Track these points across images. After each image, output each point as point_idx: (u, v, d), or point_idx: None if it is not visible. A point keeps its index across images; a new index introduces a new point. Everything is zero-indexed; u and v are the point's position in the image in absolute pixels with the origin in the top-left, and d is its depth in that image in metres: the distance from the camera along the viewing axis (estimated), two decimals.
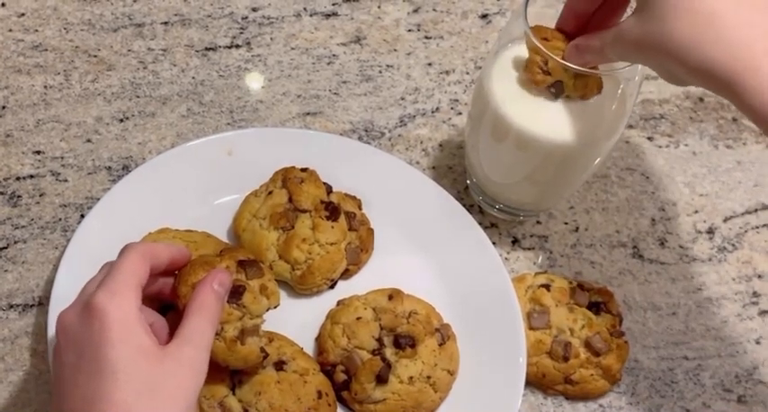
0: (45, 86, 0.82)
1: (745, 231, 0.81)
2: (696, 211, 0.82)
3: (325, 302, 0.70)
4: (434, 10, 0.92)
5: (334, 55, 0.88)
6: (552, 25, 0.64)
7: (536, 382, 0.69)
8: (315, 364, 0.65)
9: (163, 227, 0.70)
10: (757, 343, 0.75)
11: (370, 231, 0.73)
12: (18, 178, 0.76)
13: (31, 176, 0.77)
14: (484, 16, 0.92)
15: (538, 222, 0.79)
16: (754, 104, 0.51)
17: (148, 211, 0.70)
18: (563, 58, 0.62)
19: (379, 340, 0.66)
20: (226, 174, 0.74)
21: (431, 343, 0.66)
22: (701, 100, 0.89)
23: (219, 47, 0.87)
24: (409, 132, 0.83)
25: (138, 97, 0.82)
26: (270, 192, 0.71)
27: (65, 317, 0.52)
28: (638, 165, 0.84)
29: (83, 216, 0.74)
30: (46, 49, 0.84)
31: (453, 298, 0.71)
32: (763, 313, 0.76)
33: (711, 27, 0.52)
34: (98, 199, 0.72)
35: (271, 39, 0.88)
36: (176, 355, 0.51)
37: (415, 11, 0.92)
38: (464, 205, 0.74)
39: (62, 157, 0.78)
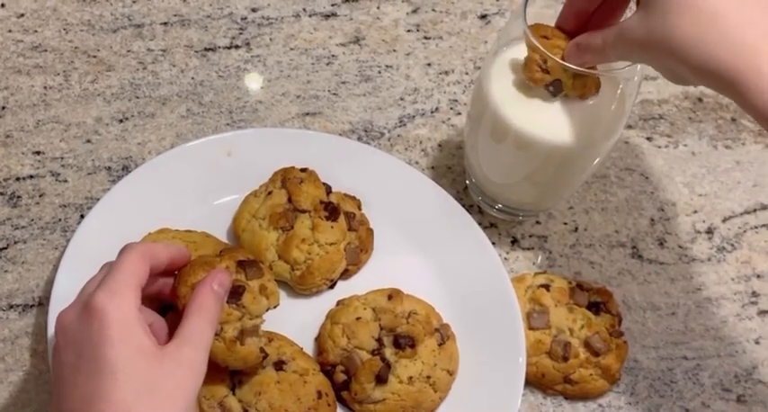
0: (45, 87, 0.82)
1: (744, 231, 0.81)
2: (695, 211, 0.82)
3: (324, 302, 0.70)
4: (433, 10, 0.92)
5: (333, 55, 0.88)
6: (552, 24, 0.64)
7: (535, 382, 0.70)
8: (314, 364, 0.65)
9: (162, 227, 0.70)
10: (756, 343, 0.75)
11: (370, 231, 0.73)
12: (18, 179, 0.76)
13: (31, 177, 0.77)
14: (483, 16, 0.92)
15: (537, 222, 0.79)
16: (757, 104, 0.51)
17: (148, 212, 0.70)
18: (563, 57, 0.62)
19: (379, 340, 0.66)
20: (225, 174, 0.74)
21: (430, 343, 0.66)
22: (700, 100, 0.89)
23: (219, 47, 0.87)
24: (408, 132, 0.83)
25: (137, 98, 0.82)
26: (269, 193, 0.71)
27: (64, 316, 0.52)
28: (638, 166, 0.84)
29: (82, 216, 0.74)
30: (45, 50, 0.84)
31: (453, 298, 0.71)
32: (762, 313, 0.76)
33: (715, 26, 0.52)
34: (98, 199, 0.72)
35: (270, 39, 0.88)
36: (175, 355, 0.51)
37: (414, 11, 0.92)
38: (463, 205, 0.75)
39: (62, 158, 0.78)
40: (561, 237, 0.78)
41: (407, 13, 0.92)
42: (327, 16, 0.90)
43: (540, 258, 0.77)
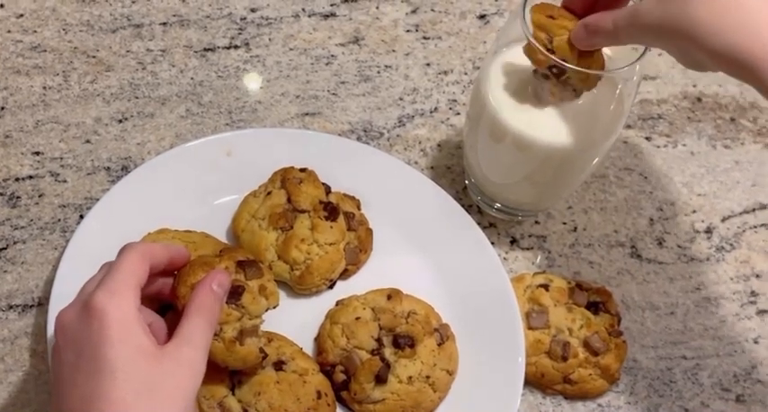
0: (44, 87, 0.82)
1: (743, 231, 0.81)
2: (694, 211, 0.82)
3: (324, 302, 0.70)
4: (433, 10, 0.92)
5: (332, 55, 0.88)
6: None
7: (535, 382, 0.70)
8: (314, 364, 0.65)
9: (162, 227, 0.70)
10: (755, 342, 0.75)
11: (369, 231, 0.73)
12: (17, 179, 0.76)
13: (31, 177, 0.77)
14: (482, 17, 0.93)
15: (536, 222, 0.79)
16: None
17: (147, 212, 0.70)
18: (569, 39, 0.60)
19: (379, 340, 0.66)
20: (225, 174, 0.74)
21: (430, 343, 0.66)
22: (699, 100, 0.89)
23: (218, 47, 0.87)
24: (408, 132, 0.83)
25: (136, 98, 0.82)
26: (269, 193, 0.71)
27: (64, 316, 0.52)
28: (637, 165, 0.84)
29: (82, 216, 0.74)
30: (45, 50, 0.84)
31: (452, 298, 0.71)
32: (761, 312, 0.76)
33: (734, 11, 0.51)
34: (97, 199, 0.72)
35: (269, 39, 0.88)
36: (175, 355, 0.51)
37: (414, 11, 0.92)
38: (462, 205, 0.75)
39: (61, 158, 0.78)
40: (560, 237, 0.79)
41: (406, 14, 0.92)
42: (326, 16, 0.91)
43: (539, 258, 0.77)
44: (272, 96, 0.84)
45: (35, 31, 0.86)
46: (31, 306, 0.70)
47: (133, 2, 0.89)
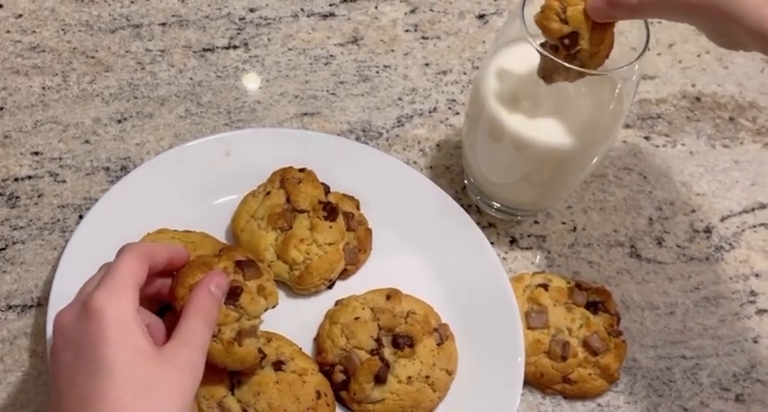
0: (43, 87, 0.82)
1: (743, 230, 0.81)
2: (693, 211, 0.82)
3: (323, 302, 0.70)
4: (431, 10, 0.92)
5: (331, 55, 0.88)
6: None
7: (534, 382, 0.70)
8: (313, 364, 0.65)
9: (161, 227, 0.70)
10: (755, 341, 0.75)
11: (368, 231, 0.73)
12: (16, 179, 0.76)
13: (30, 177, 0.77)
14: (481, 16, 0.93)
15: (536, 222, 0.79)
16: None
17: (147, 212, 0.70)
18: (584, 9, 0.59)
19: (378, 340, 0.66)
20: (224, 174, 0.74)
21: (429, 342, 0.66)
22: (698, 99, 0.89)
23: (217, 47, 0.87)
24: (407, 132, 0.83)
25: (135, 98, 0.82)
26: (268, 193, 0.71)
27: (62, 316, 0.52)
28: (636, 165, 0.84)
29: (81, 217, 0.74)
30: (44, 51, 0.84)
31: (451, 298, 0.71)
32: (760, 312, 0.76)
33: None
34: (96, 200, 0.72)
35: (268, 39, 0.88)
36: (173, 357, 0.51)
37: (412, 11, 0.92)
38: (462, 205, 0.75)
39: (60, 158, 0.78)
40: (559, 237, 0.79)
41: (405, 13, 0.92)
42: (325, 16, 0.90)
43: (538, 258, 0.77)
44: (271, 96, 0.84)
45: (34, 32, 0.86)
46: (31, 306, 0.70)
47: (132, 2, 0.89)
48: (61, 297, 0.60)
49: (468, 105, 0.72)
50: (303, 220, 0.70)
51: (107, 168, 0.78)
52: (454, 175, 0.81)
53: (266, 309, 0.60)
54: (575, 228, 0.79)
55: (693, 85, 0.91)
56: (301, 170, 0.73)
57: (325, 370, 0.66)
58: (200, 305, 0.54)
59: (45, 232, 0.74)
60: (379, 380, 0.64)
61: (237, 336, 0.58)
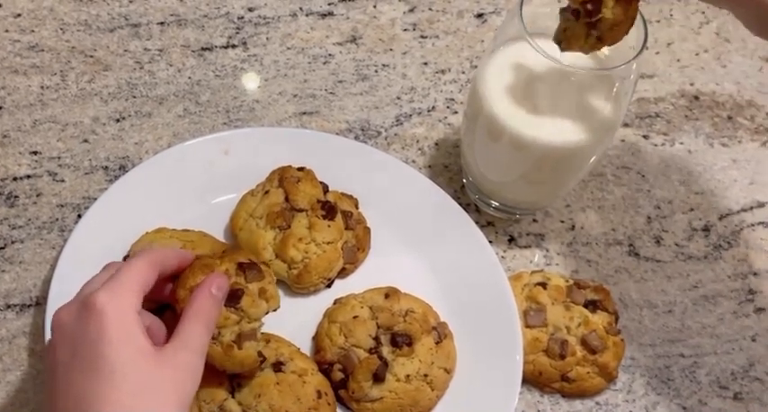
0: (42, 87, 0.82)
1: (741, 229, 0.81)
2: (692, 209, 0.82)
3: (322, 301, 0.70)
4: (430, 9, 0.92)
5: (330, 54, 0.88)
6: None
7: (533, 380, 0.70)
8: (313, 364, 0.65)
9: (160, 226, 0.70)
10: (753, 340, 0.75)
11: (367, 230, 0.73)
12: (15, 178, 0.76)
13: (28, 176, 0.77)
14: (479, 15, 0.93)
15: (534, 221, 0.79)
16: None
17: (145, 211, 0.71)
18: None
19: (376, 338, 0.66)
20: (222, 173, 0.74)
21: (428, 341, 0.66)
22: (697, 98, 0.89)
23: (216, 47, 0.87)
24: (405, 131, 0.83)
25: (134, 97, 0.82)
26: (266, 192, 0.71)
27: (61, 313, 0.52)
28: (634, 164, 0.84)
29: (80, 216, 0.74)
30: (42, 50, 0.84)
31: (450, 296, 0.71)
32: (758, 310, 0.77)
33: None
34: (95, 199, 0.72)
35: (267, 38, 0.88)
36: (173, 359, 0.51)
37: (411, 10, 0.92)
38: (460, 204, 0.75)
39: (59, 158, 0.78)
40: (558, 236, 0.79)
41: (404, 12, 0.92)
42: (324, 15, 0.91)
43: (536, 256, 0.77)
44: (270, 95, 0.84)
45: (33, 31, 0.86)
46: (29, 305, 0.70)
47: (131, 1, 0.89)
48: (60, 296, 0.60)
49: (467, 104, 0.72)
50: (302, 219, 0.70)
51: (106, 167, 0.78)
52: (453, 174, 0.81)
53: (267, 313, 0.60)
54: (573, 227, 0.79)
55: (692, 84, 0.91)
56: (300, 169, 0.73)
57: (324, 368, 0.66)
58: (200, 307, 0.54)
59: (44, 231, 0.74)
60: (378, 378, 0.64)
61: (237, 339, 0.58)
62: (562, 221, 0.80)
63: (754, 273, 0.79)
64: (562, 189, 0.77)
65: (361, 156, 0.77)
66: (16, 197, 0.75)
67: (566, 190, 0.78)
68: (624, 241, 0.79)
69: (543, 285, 0.71)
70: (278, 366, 0.63)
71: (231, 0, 0.90)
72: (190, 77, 0.84)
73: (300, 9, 0.90)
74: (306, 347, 0.68)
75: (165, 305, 0.60)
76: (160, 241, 0.68)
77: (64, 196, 0.76)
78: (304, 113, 0.83)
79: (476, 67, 0.87)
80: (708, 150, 0.86)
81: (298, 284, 0.69)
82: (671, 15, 0.97)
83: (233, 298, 0.58)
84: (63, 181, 0.77)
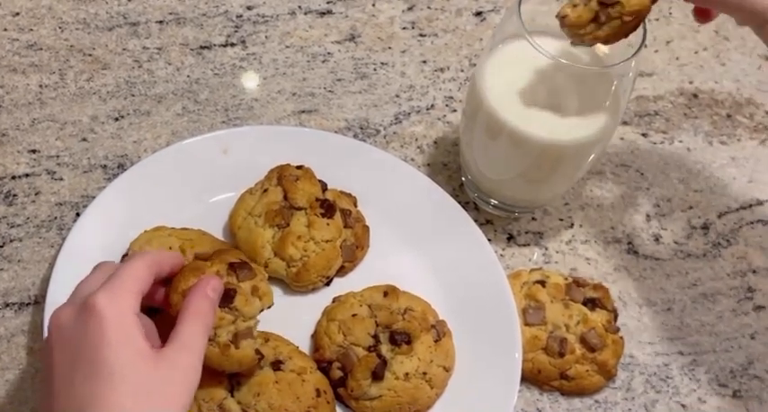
0: (40, 85, 0.82)
1: (740, 227, 0.81)
2: (691, 207, 0.82)
3: (320, 299, 0.70)
4: (429, 7, 0.92)
5: (328, 53, 0.88)
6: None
7: (532, 378, 0.70)
8: (312, 363, 0.65)
9: (158, 225, 0.70)
10: (752, 338, 0.75)
11: (366, 228, 0.73)
12: (13, 177, 0.76)
13: (27, 175, 0.77)
14: (478, 14, 0.93)
15: (533, 219, 0.79)
16: None
17: (144, 210, 0.71)
18: None
19: (375, 337, 0.66)
20: (221, 172, 0.74)
21: (426, 339, 0.66)
22: (695, 96, 0.89)
23: (214, 45, 0.87)
24: (404, 129, 0.83)
25: (133, 96, 0.82)
26: (265, 190, 0.71)
27: (60, 314, 0.51)
28: (633, 162, 0.84)
29: (78, 214, 0.74)
30: (41, 49, 0.84)
31: (449, 294, 0.71)
32: (757, 308, 0.77)
33: None
34: (93, 197, 0.72)
35: (265, 37, 0.88)
36: (172, 361, 0.51)
37: (410, 8, 0.92)
38: (459, 202, 0.75)
39: (57, 156, 0.78)
40: (557, 234, 0.79)
41: (403, 11, 0.92)
42: (323, 14, 0.90)
43: (535, 254, 0.77)
44: (269, 94, 0.84)
45: (31, 30, 0.86)
46: (28, 304, 0.70)
47: (129, 0, 0.89)
48: (58, 294, 0.60)
49: (466, 102, 0.72)
50: (300, 218, 0.70)
51: (104, 166, 0.78)
52: (452, 172, 0.81)
53: (262, 310, 0.60)
54: (572, 225, 0.79)
55: (691, 82, 0.91)
56: (299, 167, 0.73)
57: (323, 367, 0.66)
58: (197, 309, 0.54)
59: (42, 230, 0.74)
60: (377, 376, 0.64)
61: (234, 339, 0.58)
62: (561, 219, 0.79)
63: (753, 271, 0.79)
64: (561, 187, 0.77)
65: (360, 154, 0.77)
66: (15, 195, 0.75)
67: (564, 188, 0.78)
68: (623, 239, 0.79)
69: (542, 283, 0.71)
70: (277, 365, 0.63)
71: None
72: (188, 76, 0.84)
73: (299, 7, 0.90)
74: (305, 346, 0.68)
75: (153, 309, 0.59)
76: (159, 240, 0.68)
77: (62, 195, 0.76)
78: (303, 112, 0.83)
79: (474, 65, 0.87)
80: (707, 148, 0.86)
81: (296, 282, 0.69)
82: (670, 13, 0.97)
83: (226, 298, 0.57)
84: (61, 179, 0.77)
